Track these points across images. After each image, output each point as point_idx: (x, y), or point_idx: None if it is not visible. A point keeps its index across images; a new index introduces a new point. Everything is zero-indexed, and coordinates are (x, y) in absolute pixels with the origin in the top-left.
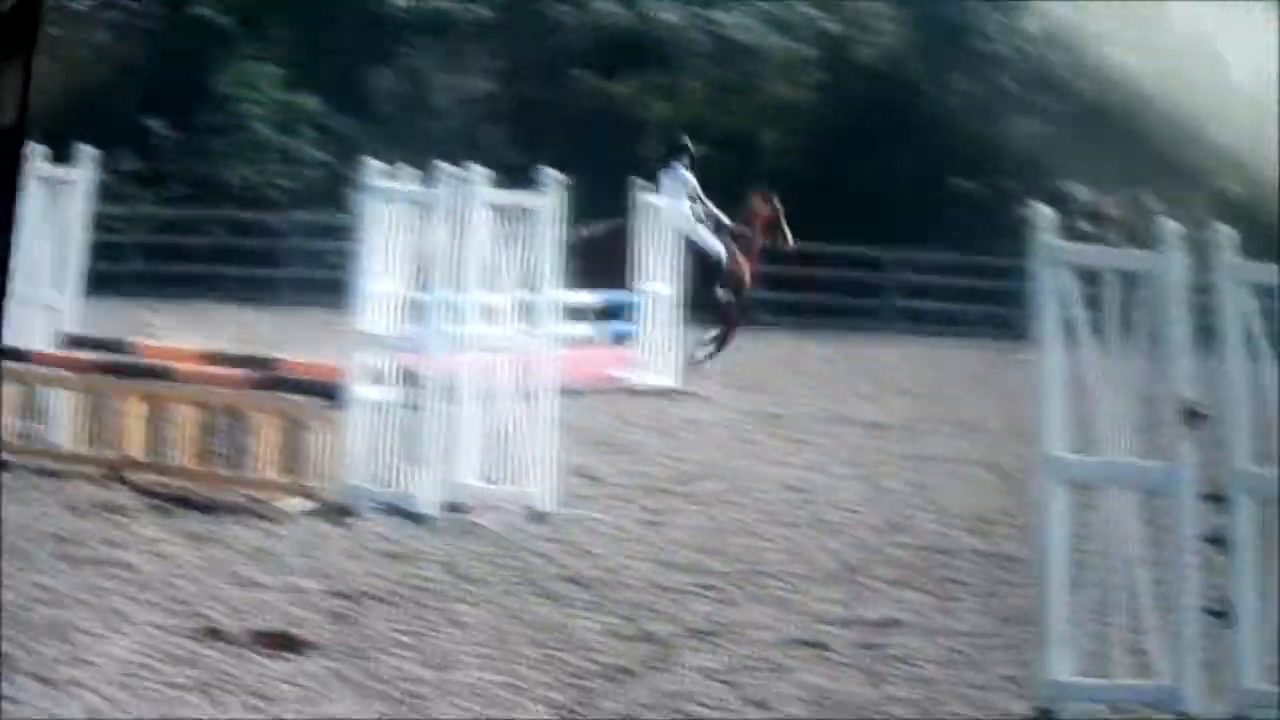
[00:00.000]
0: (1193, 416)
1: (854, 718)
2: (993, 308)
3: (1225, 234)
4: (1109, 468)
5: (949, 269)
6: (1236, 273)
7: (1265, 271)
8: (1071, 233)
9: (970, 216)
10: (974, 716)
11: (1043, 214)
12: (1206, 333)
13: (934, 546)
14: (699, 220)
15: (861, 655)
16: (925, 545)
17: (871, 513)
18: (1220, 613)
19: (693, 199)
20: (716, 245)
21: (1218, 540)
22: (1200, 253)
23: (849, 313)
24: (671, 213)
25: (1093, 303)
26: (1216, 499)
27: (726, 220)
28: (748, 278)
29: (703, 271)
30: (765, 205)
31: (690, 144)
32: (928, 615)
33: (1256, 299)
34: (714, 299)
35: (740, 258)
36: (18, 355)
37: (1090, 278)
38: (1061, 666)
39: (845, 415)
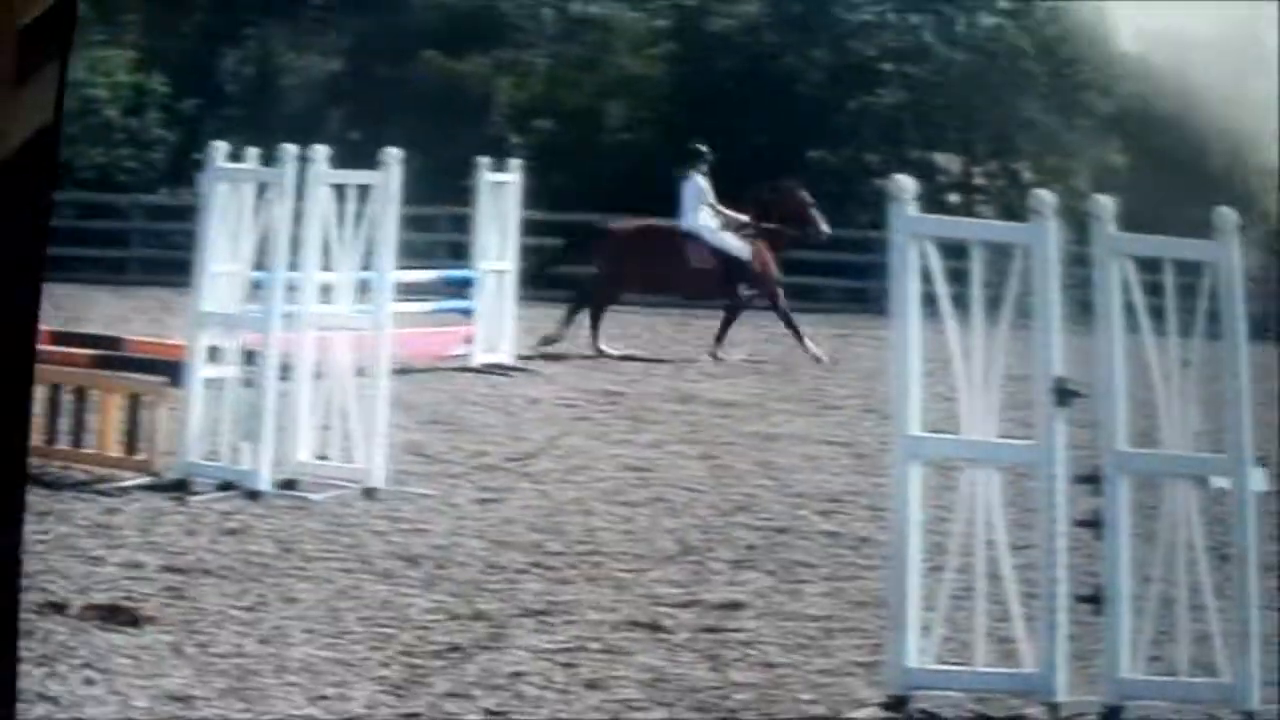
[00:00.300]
0: (1065, 394)
1: (693, 703)
2: (852, 282)
3: (1104, 204)
4: (970, 447)
5: (801, 243)
6: (1115, 244)
7: (1145, 243)
8: (938, 204)
9: (830, 189)
10: (819, 704)
11: (903, 185)
12: (1085, 307)
13: (780, 527)
14: (719, 225)
15: (701, 638)
16: (771, 526)
17: (715, 492)
18: (1093, 599)
19: (710, 205)
20: (739, 246)
21: (1091, 523)
22: (1078, 224)
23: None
24: (697, 224)
25: (959, 276)
26: (1091, 480)
27: (743, 218)
28: (772, 270)
29: (727, 272)
30: (792, 197)
31: (706, 150)
32: (772, 598)
33: (1137, 271)
34: (736, 297)
35: (765, 253)
36: None
37: (957, 251)
38: (917, 653)
39: (692, 393)
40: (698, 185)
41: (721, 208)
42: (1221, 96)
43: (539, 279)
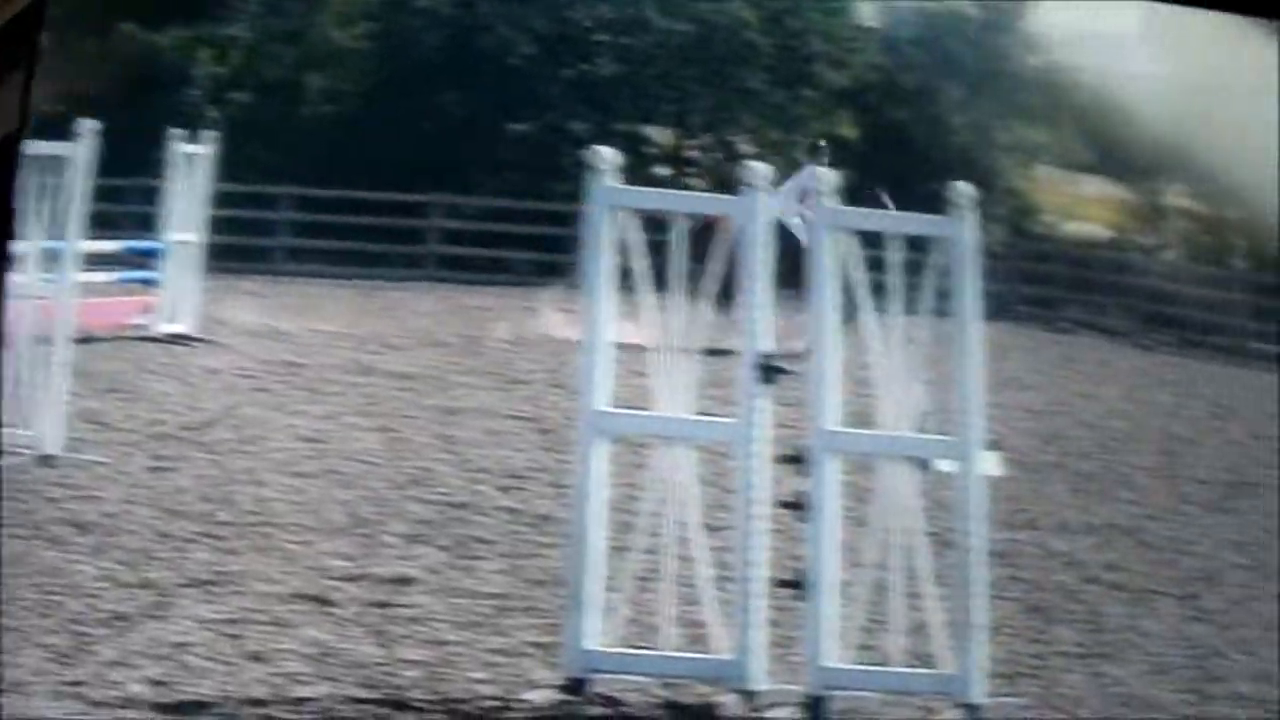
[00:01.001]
0: (769, 371)
1: (359, 678)
2: (546, 255)
3: (824, 177)
4: (661, 423)
5: (499, 215)
6: (835, 218)
7: (869, 218)
8: (648, 178)
9: (531, 160)
10: (493, 684)
11: (603, 156)
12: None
13: (457, 502)
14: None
15: (370, 613)
16: (447, 501)
17: (390, 466)
18: (795, 583)
19: (802, 196)
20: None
21: (795, 505)
22: None
23: (388, 261)
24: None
25: (662, 249)
26: (795, 460)
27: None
28: None
29: (794, 256)
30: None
31: (825, 146)
32: (445, 574)
33: (858, 246)
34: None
35: None
36: None
37: (661, 225)
38: (597, 635)
39: (371, 365)
40: (808, 176)
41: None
42: (971, 70)
43: None
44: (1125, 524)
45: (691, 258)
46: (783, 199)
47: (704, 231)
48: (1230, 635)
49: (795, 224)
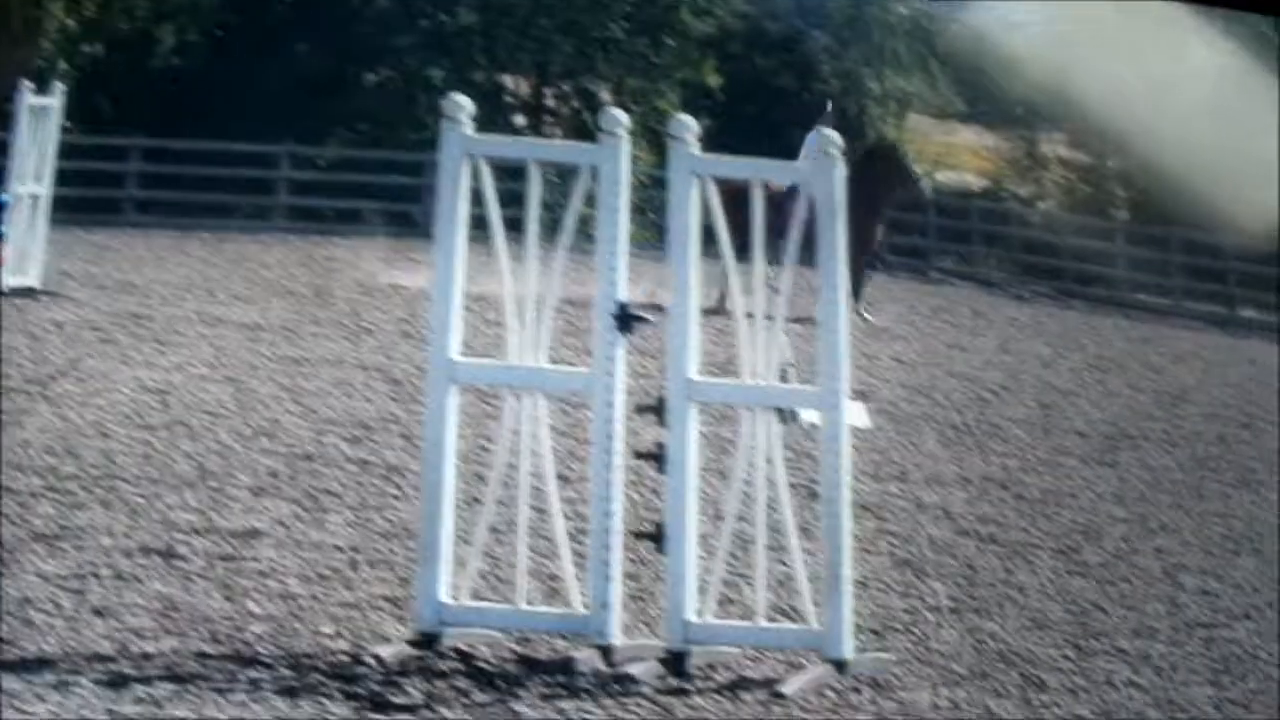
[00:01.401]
0: (627, 319)
1: (206, 633)
2: (399, 205)
3: (684, 124)
4: (514, 373)
5: (351, 165)
6: (694, 165)
7: (730, 164)
8: (501, 125)
9: (386, 111)
10: (341, 638)
11: (458, 104)
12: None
13: (304, 454)
14: None
15: (217, 566)
16: (295, 453)
17: (238, 417)
18: (654, 536)
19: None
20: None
21: (654, 456)
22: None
23: (238, 212)
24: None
25: (518, 199)
26: (654, 411)
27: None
28: (872, 230)
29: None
30: (884, 159)
31: (830, 107)
32: (293, 527)
33: (719, 194)
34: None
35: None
36: None
37: (517, 174)
38: (450, 588)
39: (219, 317)
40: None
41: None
42: (840, 18)
43: None
44: (1000, 477)
45: (551, 206)
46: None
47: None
48: (1111, 590)
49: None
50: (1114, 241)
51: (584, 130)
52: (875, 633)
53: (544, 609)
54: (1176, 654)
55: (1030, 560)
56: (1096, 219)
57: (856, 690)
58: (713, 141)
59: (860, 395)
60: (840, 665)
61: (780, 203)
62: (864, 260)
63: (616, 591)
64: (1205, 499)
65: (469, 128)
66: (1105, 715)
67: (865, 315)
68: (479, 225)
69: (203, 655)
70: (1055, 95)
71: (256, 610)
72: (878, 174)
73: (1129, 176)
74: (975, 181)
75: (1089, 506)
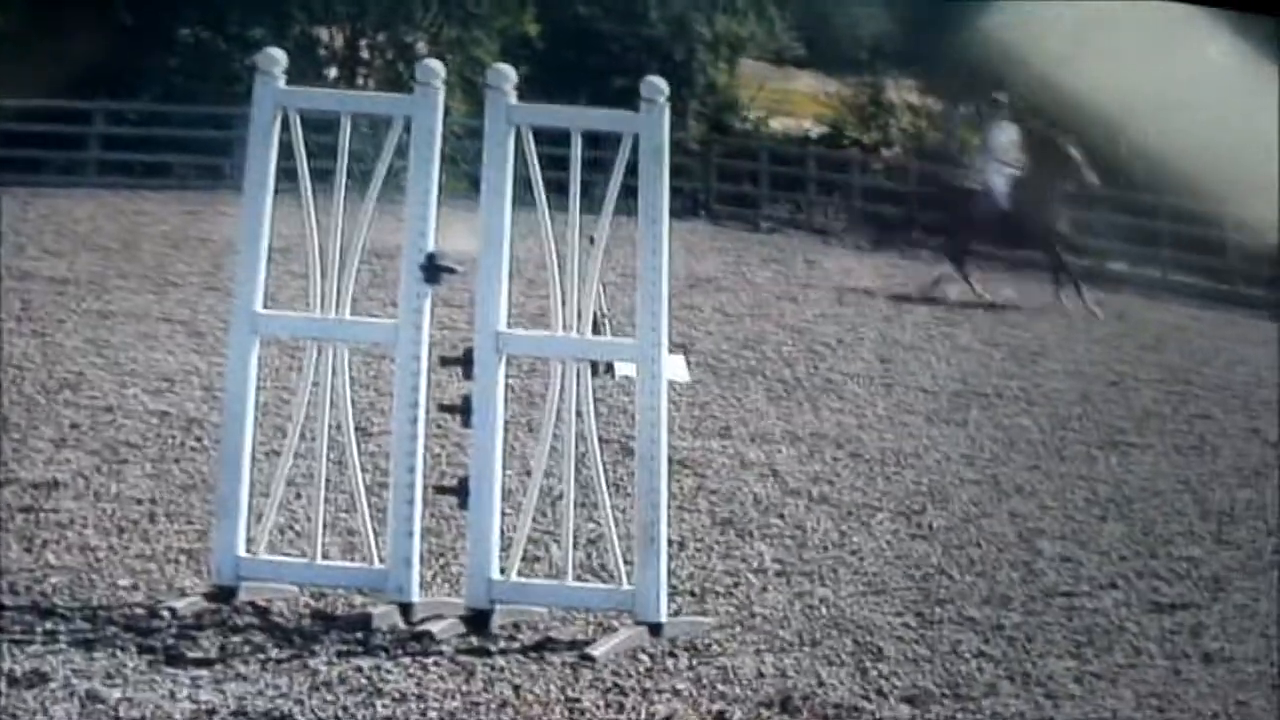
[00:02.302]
0: (434, 270)
1: (4, 585)
2: (210, 159)
3: (502, 73)
4: (315, 325)
5: (163, 120)
6: (512, 115)
7: (550, 114)
8: (314, 78)
9: (200, 66)
10: (138, 590)
11: (272, 57)
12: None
13: (106, 406)
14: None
15: (17, 518)
16: (97, 405)
17: (42, 370)
18: (456, 490)
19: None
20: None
21: (458, 409)
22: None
23: (49, 166)
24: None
25: (331, 150)
26: (460, 363)
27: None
28: (1048, 221)
29: (1007, 226)
30: (1057, 150)
31: (1004, 99)
32: (93, 479)
33: (535, 144)
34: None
35: (1037, 203)
36: None
37: (329, 126)
38: (246, 542)
39: (26, 270)
40: (1007, 133)
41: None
42: None
43: None
44: (834, 434)
45: (362, 157)
46: (981, 159)
47: None
48: (959, 555)
49: (996, 183)
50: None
51: (399, 82)
52: (693, 595)
53: (342, 564)
54: (1032, 623)
55: (867, 523)
56: (946, 165)
57: (672, 655)
58: (532, 90)
59: (680, 348)
60: (654, 628)
61: (967, 204)
62: (1057, 252)
63: (416, 547)
64: (1066, 461)
65: (281, 81)
66: (952, 687)
67: (1095, 309)
68: (292, 178)
69: (0, 607)
70: (901, 38)
71: (55, 562)
72: (1044, 164)
73: (982, 123)
74: (814, 128)
75: (934, 467)
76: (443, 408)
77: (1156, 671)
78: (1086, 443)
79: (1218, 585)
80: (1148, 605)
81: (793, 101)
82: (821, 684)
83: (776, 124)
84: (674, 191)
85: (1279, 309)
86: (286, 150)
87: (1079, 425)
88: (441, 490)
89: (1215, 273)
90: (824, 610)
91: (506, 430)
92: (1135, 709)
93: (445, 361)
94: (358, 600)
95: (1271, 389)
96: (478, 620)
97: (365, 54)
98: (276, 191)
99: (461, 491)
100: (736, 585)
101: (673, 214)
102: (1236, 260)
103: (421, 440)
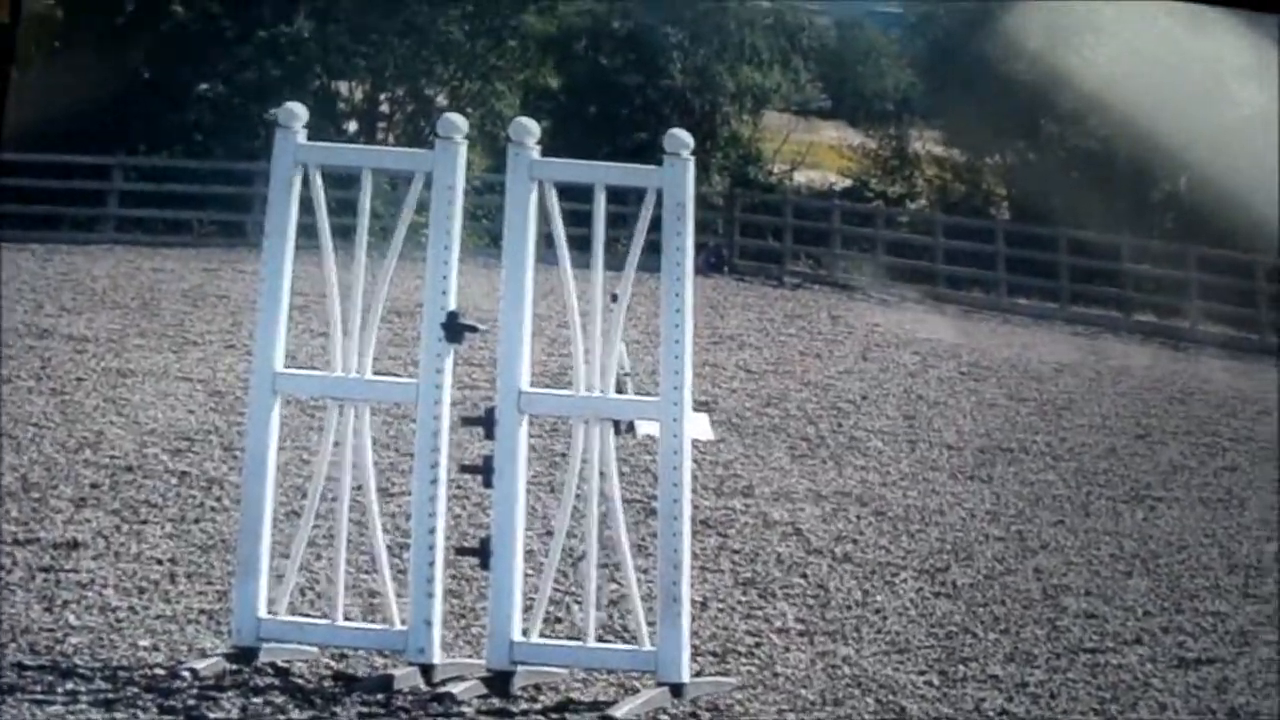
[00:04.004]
0: (456, 329)
1: (25, 644)
2: (230, 215)
3: (524, 126)
4: (336, 384)
5: (181, 176)
6: (533, 169)
7: (571, 168)
8: (333, 133)
9: (220, 121)
10: (159, 651)
11: (292, 112)
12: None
13: (127, 465)
14: None
15: (38, 578)
16: (117, 464)
17: (61, 429)
18: (478, 552)
19: None
20: None
21: (479, 469)
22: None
23: (67, 223)
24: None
25: (351, 206)
26: (482, 423)
27: None
28: None
29: None
30: None
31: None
32: (113, 538)
33: (558, 198)
34: None
35: None
36: None
37: (349, 182)
38: (267, 602)
39: (44, 328)
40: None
41: None
42: (691, 12)
43: None
44: (857, 492)
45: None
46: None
47: None
48: (982, 612)
49: None
50: (993, 242)
51: (419, 137)
52: (715, 655)
53: (363, 625)
54: (1057, 680)
55: (890, 581)
56: (972, 218)
57: (694, 715)
58: (553, 143)
59: (703, 406)
60: (676, 689)
61: None
62: None
63: (438, 608)
64: (1092, 516)
65: (302, 135)
66: None
67: None
68: (311, 234)
69: (20, 666)
70: (926, 90)
71: (75, 622)
72: None
73: (1010, 173)
74: (837, 181)
75: (958, 524)
76: (464, 468)
77: None
78: (1113, 497)
79: (1244, 640)
80: (1173, 660)
81: (817, 154)
82: None
83: (800, 177)
84: (698, 247)
85: None
86: (306, 206)
87: (1105, 479)
88: (463, 551)
89: (1244, 322)
90: (846, 669)
91: (528, 490)
92: None
93: (467, 421)
94: (379, 662)
95: None
96: (499, 681)
97: (385, 108)
98: (296, 248)
99: (483, 552)
100: (758, 645)
101: (695, 270)
102: (1266, 309)
103: (443, 500)
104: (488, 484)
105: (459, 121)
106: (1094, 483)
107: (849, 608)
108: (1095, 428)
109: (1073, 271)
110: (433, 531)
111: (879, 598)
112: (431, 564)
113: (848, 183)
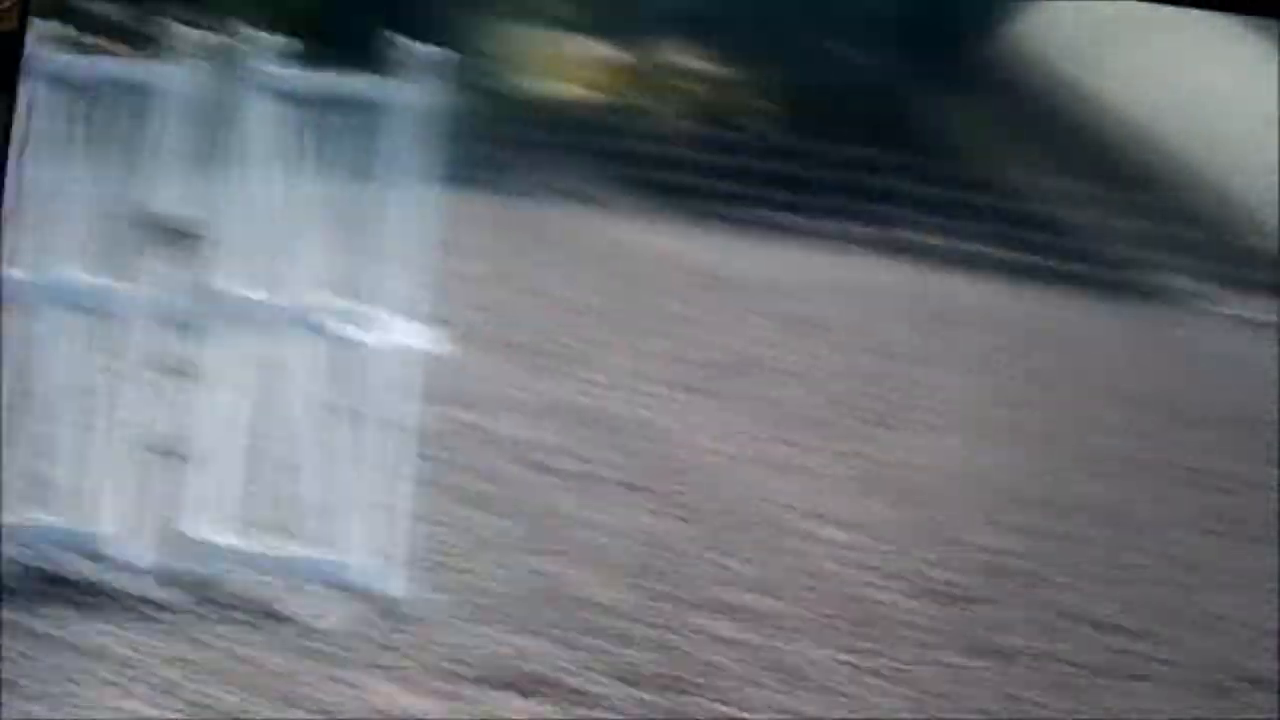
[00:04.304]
0: (169, 233)
1: None
2: None
3: (265, 40)
4: (50, 288)
5: None
6: (264, 81)
7: (295, 79)
8: (77, 46)
9: None
10: None
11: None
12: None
13: None
14: None
15: None
16: None
17: None
18: (172, 452)
19: None
20: None
21: (178, 370)
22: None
23: None
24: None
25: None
26: (182, 324)
27: None
28: None
29: None
30: None
31: None
32: None
33: (293, 111)
34: None
35: None
36: None
37: (88, 92)
38: None
39: None
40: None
41: None
42: None
43: None
44: (587, 405)
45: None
46: None
47: None
48: (714, 538)
49: None
50: (749, 156)
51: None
52: (428, 568)
53: (43, 518)
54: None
55: (599, 494)
56: (727, 131)
57: (402, 630)
58: (304, 58)
59: (419, 314)
60: (387, 601)
61: None
62: None
63: (125, 505)
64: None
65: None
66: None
67: None
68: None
69: None
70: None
71: None
72: None
73: (770, 87)
74: (584, 94)
75: (687, 440)
76: (162, 369)
77: None
78: (864, 420)
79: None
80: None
81: (561, 66)
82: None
83: (544, 89)
84: (434, 160)
85: None
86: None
87: (854, 401)
88: (156, 450)
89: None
90: (544, 583)
91: (227, 393)
92: None
93: (167, 322)
94: (57, 556)
95: None
96: (186, 581)
97: (124, 21)
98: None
99: (177, 453)
100: (472, 558)
101: (432, 182)
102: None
103: (136, 400)
104: (187, 386)
105: (186, 33)
106: (842, 402)
107: (560, 522)
108: (840, 346)
109: (845, 189)
110: (124, 429)
111: (590, 513)
112: (122, 461)
113: (595, 96)
